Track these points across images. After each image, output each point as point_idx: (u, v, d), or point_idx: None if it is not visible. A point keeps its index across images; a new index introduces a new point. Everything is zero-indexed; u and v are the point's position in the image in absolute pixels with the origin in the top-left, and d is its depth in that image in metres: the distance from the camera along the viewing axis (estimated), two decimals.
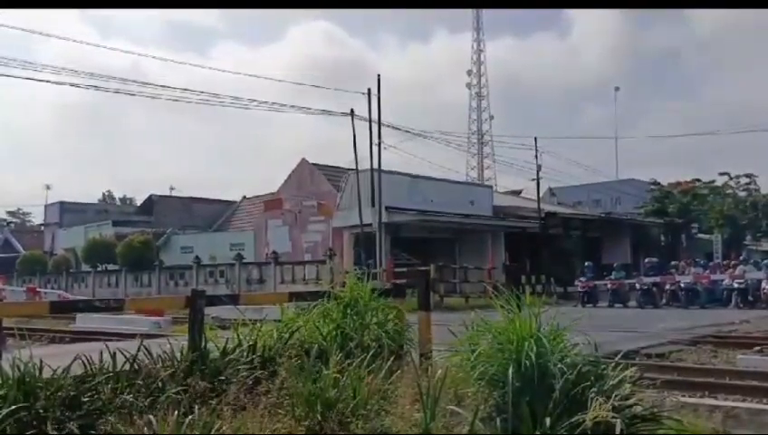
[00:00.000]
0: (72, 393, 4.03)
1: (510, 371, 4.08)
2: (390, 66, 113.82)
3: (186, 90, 42.75)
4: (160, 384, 4.32)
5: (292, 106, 27.93)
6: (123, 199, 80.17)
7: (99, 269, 39.18)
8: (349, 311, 5.76)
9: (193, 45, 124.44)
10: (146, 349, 4.69)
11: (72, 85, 22.47)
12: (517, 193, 45.07)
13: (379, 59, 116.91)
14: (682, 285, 23.11)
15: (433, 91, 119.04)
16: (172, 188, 57.61)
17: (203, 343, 4.88)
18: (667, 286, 23.35)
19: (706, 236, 39.32)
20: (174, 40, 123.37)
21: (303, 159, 34.63)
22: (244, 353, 4.97)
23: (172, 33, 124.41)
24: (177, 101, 36.76)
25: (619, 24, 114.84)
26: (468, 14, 76.77)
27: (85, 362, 4.44)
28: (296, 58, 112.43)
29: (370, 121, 27.09)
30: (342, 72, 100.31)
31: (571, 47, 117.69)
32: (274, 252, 32.20)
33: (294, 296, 6.39)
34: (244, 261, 33.02)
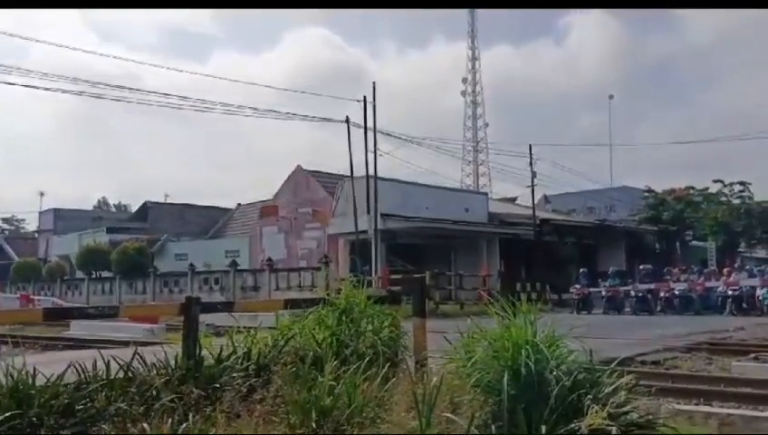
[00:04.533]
0: (65, 401, 4.02)
1: (505, 378, 4.07)
2: (387, 73, 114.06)
3: (181, 96, 42.86)
4: (154, 392, 4.31)
5: (288, 113, 28.07)
6: (118, 206, 79.94)
7: (93, 276, 39.03)
8: (344, 318, 5.75)
9: (191, 52, 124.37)
10: (140, 356, 4.68)
11: (64, 91, 22.43)
12: (512, 200, 45.17)
13: (376, 66, 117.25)
14: (677, 292, 23.15)
15: (430, 97, 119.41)
16: (167, 195, 57.63)
17: (197, 351, 4.87)
18: (662, 293, 23.38)
19: (701, 244, 39.39)
20: (172, 47, 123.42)
21: (299, 166, 34.65)
22: (239, 361, 4.96)
23: (170, 40, 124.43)
24: (170, 107, 36.75)
25: (615, 31, 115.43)
26: (464, 21, 76.94)
27: (79, 369, 4.42)
28: (293, 65, 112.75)
29: (366, 129, 27.14)
30: (340, 79, 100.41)
31: (567, 55, 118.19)
32: (269, 259, 32.14)
33: (289, 303, 6.38)
34: (239, 268, 32.93)
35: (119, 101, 23.06)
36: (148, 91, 34.60)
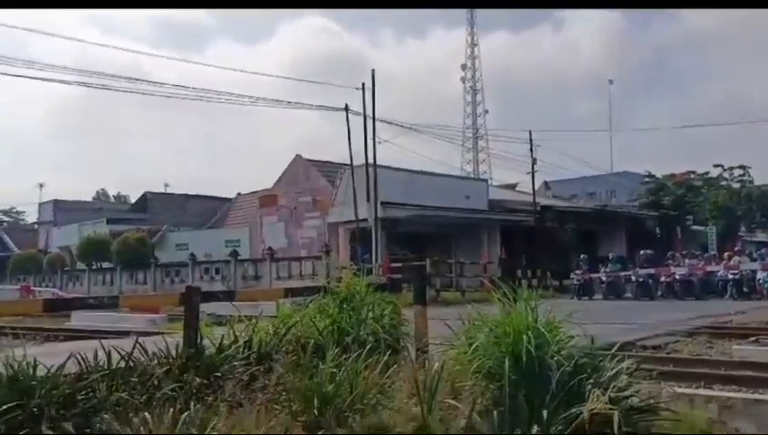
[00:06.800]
0: (66, 392, 4.01)
1: (507, 363, 4.07)
2: (387, 61, 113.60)
3: (179, 86, 42.60)
4: (156, 382, 4.30)
5: (288, 102, 27.99)
6: (118, 197, 79.82)
7: (94, 267, 39.04)
8: (345, 306, 5.75)
9: (190, 44, 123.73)
10: (141, 346, 4.67)
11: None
12: (512, 187, 45.11)
13: (376, 54, 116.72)
14: (677, 276, 23.17)
15: (430, 85, 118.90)
16: (167, 186, 57.57)
17: (198, 340, 4.87)
18: (663, 278, 23.40)
19: (701, 228, 39.41)
20: (171, 38, 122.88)
21: (298, 156, 34.57)
22: (240, 350, 4.96)
23: (170, 32, 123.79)
24: (170, 97, 36.63)
25: (614, 17, 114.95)
26: (463, 9, 76.45)
27: (80, 360, 4.41)
28: (292, 54, 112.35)
29: (365, 117, 27.05)
30: (339, 68, 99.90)
31: (566, 42, 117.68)
32: (270, 248, 32.14)
33: (290, 292, 6.38)
34: (240, 258, 32.95)
35: (107, 89, 22.83)
36: (137, 80, 34.24)
